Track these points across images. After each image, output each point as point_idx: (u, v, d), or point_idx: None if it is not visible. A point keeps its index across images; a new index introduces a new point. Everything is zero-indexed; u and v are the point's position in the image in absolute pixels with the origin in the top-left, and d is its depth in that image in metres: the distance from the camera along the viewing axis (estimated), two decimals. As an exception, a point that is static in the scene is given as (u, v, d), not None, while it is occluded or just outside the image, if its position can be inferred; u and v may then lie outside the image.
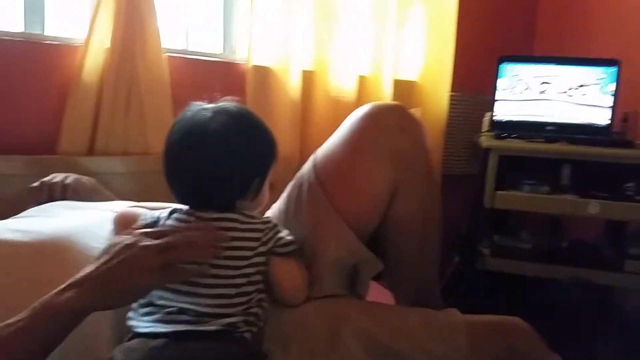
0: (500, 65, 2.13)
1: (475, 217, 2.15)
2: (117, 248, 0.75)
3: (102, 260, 0.74)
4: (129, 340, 0.81)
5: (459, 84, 2.41)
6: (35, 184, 1.25)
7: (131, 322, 0.84)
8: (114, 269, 0.73)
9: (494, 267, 1.97)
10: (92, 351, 0.86)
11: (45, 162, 1.48)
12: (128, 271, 0.74)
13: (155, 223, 0.92)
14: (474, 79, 2.47)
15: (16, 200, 1.25)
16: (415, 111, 1.98)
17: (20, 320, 0.68)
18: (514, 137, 1.96)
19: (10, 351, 0.67)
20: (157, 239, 0.77)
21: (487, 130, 2.16)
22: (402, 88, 2.27)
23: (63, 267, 0.74)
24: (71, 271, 0.74)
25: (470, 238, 2.11)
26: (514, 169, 1.98)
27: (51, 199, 1.21)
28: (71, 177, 1.28)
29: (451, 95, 2.35)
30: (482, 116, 2.26)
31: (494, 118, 2.15)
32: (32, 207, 1.17)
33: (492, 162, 1.91)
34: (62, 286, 0.71)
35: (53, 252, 0.92)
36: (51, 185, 1.24)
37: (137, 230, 0.80)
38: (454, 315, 0.96)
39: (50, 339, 0.70)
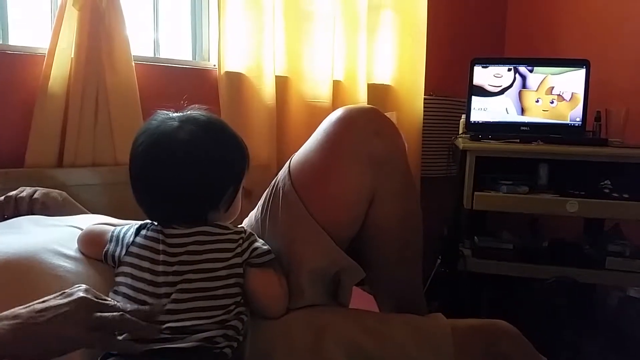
0: (474, 67, 2.13)
1: (456, 219, 2.14)
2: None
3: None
4: (101, 360, 0.77)
5: (433, 87, 2.41)
6: (0, 199, 1.20)
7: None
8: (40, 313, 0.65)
9: (475, 268, 1.96)
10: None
11: (13, 176, 1.43)
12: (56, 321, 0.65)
13: (122, 240, 0.88)
14: (448, 81, 2.48)
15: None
16: (391, 115, 1.98)
17: None
18: (490, 139, 1.96)
19: None
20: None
21: (464, 132, 2.16)
22: (377, 92, 2.27)
23: (27, 286, 0.70)
24: (35, 291, 0.70)
25: (451, 240, 2.10)
26: (492, 170, 1.98)
27: (18, 213, 1.17)
28: (40, 191, 1.24)
29: (426, 98, 2.35)
30: (458, 118, 2.26)
31: (470, 120, 2.15)
32: (-1, 222, 1.12)
33: (470, 164, 1.90)
34: None
35: (17, 271, 0.87)
36: (18, 199, 1.20)
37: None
38: (440, 320, 0.94)
39: None
